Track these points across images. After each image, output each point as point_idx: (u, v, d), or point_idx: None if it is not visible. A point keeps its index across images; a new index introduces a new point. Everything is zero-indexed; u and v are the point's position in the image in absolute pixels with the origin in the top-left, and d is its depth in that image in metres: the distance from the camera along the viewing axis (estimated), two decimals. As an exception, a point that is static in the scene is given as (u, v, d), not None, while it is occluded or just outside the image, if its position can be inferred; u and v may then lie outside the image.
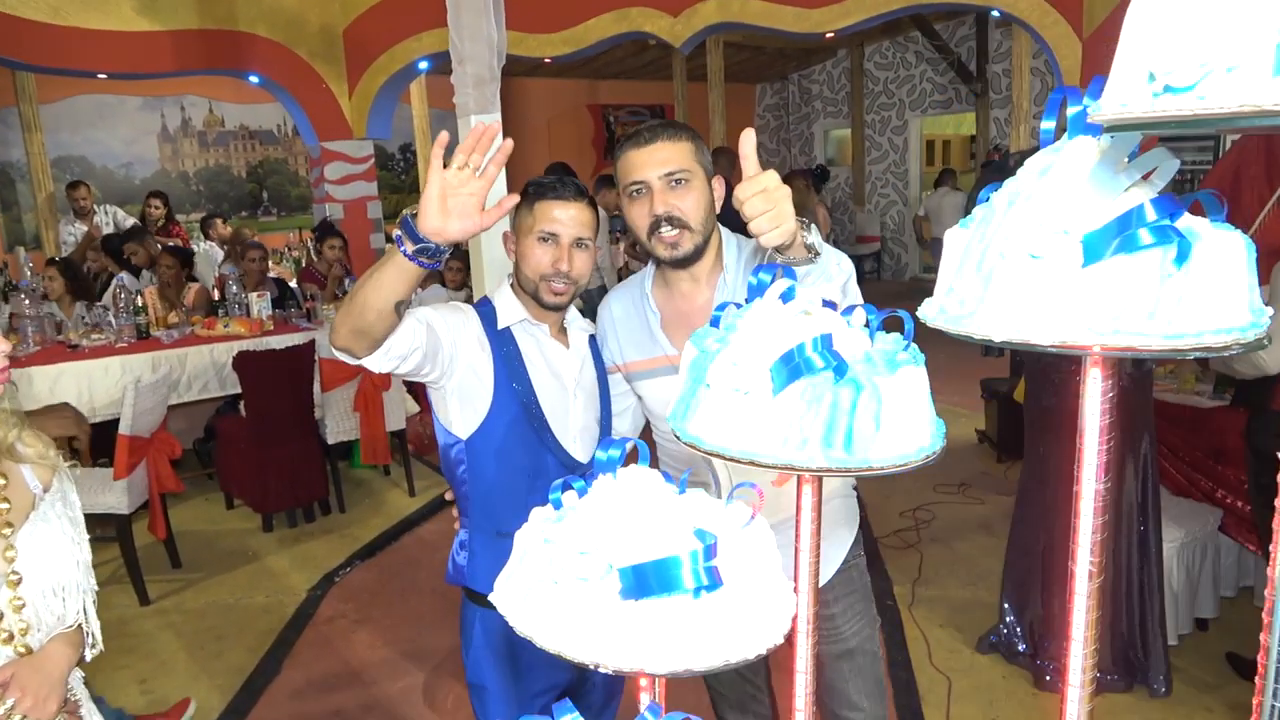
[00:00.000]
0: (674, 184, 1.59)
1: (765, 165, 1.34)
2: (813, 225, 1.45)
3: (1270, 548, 0.64)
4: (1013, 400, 4.77)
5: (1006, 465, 5.13)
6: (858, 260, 12.20)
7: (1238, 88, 0.49)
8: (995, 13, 5.36)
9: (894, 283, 12.40)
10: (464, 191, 1.35)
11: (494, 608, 1.73)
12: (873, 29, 7.87)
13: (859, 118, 12.50)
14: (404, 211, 1.40)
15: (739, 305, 1.02)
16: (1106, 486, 0.91)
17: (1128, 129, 0.60)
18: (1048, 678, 3.05)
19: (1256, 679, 0.66)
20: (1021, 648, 3.18)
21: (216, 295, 5.77)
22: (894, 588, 3.78)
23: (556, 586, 0.85)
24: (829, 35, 5.93)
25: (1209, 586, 3.32)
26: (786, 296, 0.94)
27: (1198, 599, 3.31)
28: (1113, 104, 0.58)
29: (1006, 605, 3.25)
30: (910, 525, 4.43)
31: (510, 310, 1.75)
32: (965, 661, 3.25)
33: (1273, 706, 0.65)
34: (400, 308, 1.45)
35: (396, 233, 1.38)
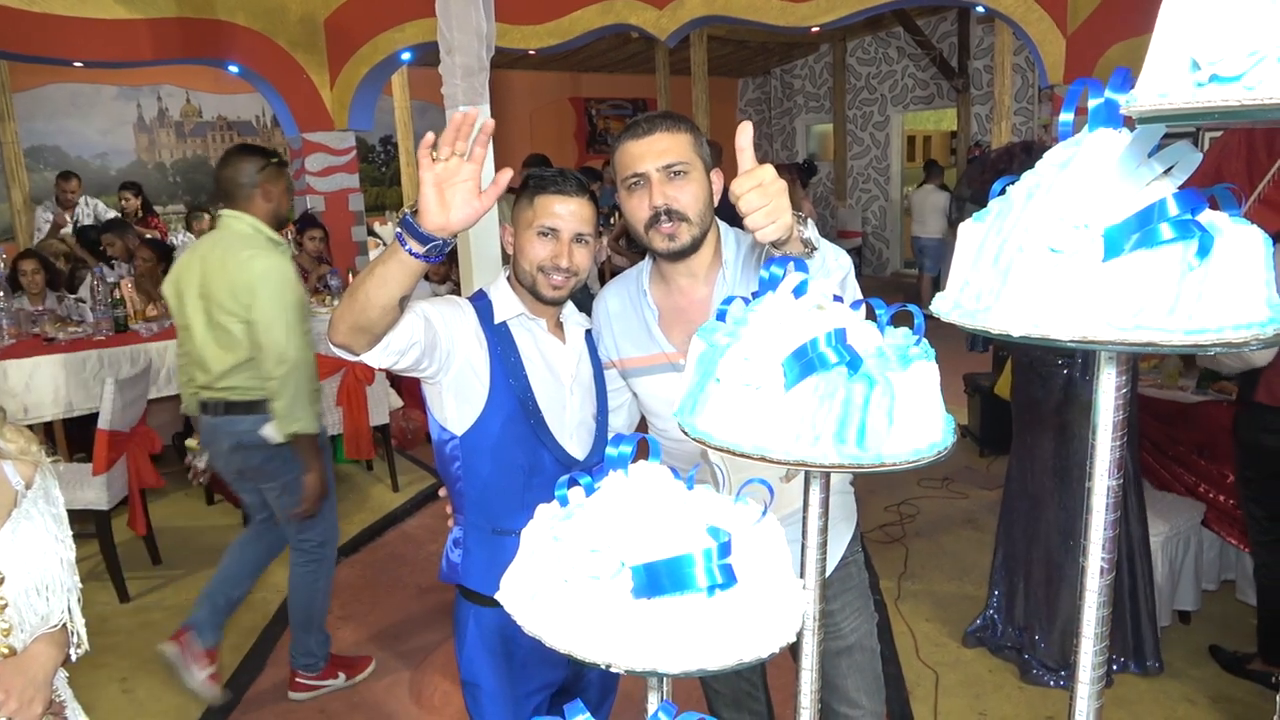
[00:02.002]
0: (673, 176, 1.57)
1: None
2: (809, 220, 1.44)
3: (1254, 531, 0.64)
4: (995, 395, 4.80)
5: (989, 460, 5.16)
6: (839, 255, 12.22)
7: (1291, 78, 0.48)
8: (979, 8, 5.37)
9: (875, 278, 12.44)
10: (458, 180, 1.33)
11: (489, 605, 1.73)
12: (856, 24, 7.88)
13: (841, 113, 12.52)
14: (402, 210, 1.38)
15: (746, 300, 1.01)
16: (1119, 483, 0.90)
17: (1166, 120, 0.59)
18: (1034, 670, 3.06)
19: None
20: (1009, 639, 3.20)
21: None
22: (880, 582, 3.79)
23: (567, 585, 0.84)
24: (814, 29, 5.92)
25: (1191, 579, 3.35)
26: (799, 290, 0.93)
27: (1179, 591, 3.35)
28: (1150, 94, 0.57)
29: (995, 596, 3.27)
30: (895, 520, 4.44)
31: (507, 304, 1.73)
32: (951, 655, 3.26)
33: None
34: (403, 303, 1.43)
35: (397, 230, 1.37)
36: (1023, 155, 2.99)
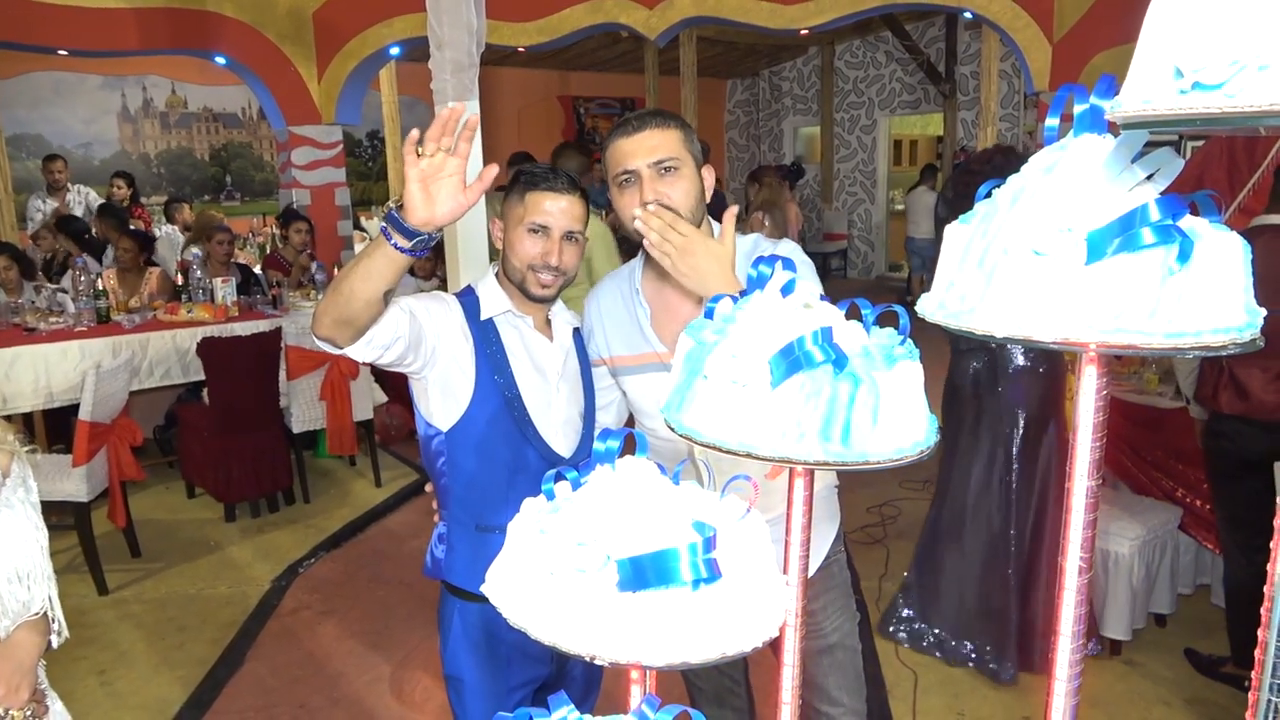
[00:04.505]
0: (663, 172, 1.57)
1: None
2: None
3: (1271, 544, 0.65)
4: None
5: (971, 462, 5.19)
6: (824, 257, 12.28)
7: (1270, 86, 0.49)
8: (967, 14, 5.41)
9: (860, 281, 12.51)
10: (443, 175, 1.34)
11: (473, 601, 1.74)
12: (844, 27, 7.92)
13: (828, 116, 12.57)
14: (387, 205, 1.39)
15: (734, 298, 1.02)
16: (1098, 483, 0.91)
17: (1150, 126, 0.60)
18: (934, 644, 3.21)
19: (1253, 674, 0.67)
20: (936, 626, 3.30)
21: (179, 280, 5.66)
22: (861, 583, 3.81)
23: (552, 578, 0.84)
24: (803, 32, 5.95)
25: (1167, 583, 3.39)
26: (786, 289, 0.93)
27: (1155, 595, 3.38)
28: (1134, 101, 0.58)
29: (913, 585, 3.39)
30: (877, 521, 4.47)
31: (494, 301, 1.73)
32: (930, 655, 3.28)
33: (1270, 701, 0.66)
34: (388, 297, 1.43)
35: (382, 225, 1.37)
36: (1000, 160, 3.07)
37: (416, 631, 3.52)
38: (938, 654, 3.25)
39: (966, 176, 3.14)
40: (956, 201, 3.15)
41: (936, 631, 3.28)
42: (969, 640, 3.19)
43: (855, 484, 4.73)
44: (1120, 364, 3.89)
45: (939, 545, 3.30)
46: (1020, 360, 3.02)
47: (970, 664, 3.18)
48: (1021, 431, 3.04)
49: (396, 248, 1.35)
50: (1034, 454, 3.05)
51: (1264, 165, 3.93)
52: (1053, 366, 3.05)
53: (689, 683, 2.02)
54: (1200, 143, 4.61)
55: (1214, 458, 2.96)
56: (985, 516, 3.14)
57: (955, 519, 3.23)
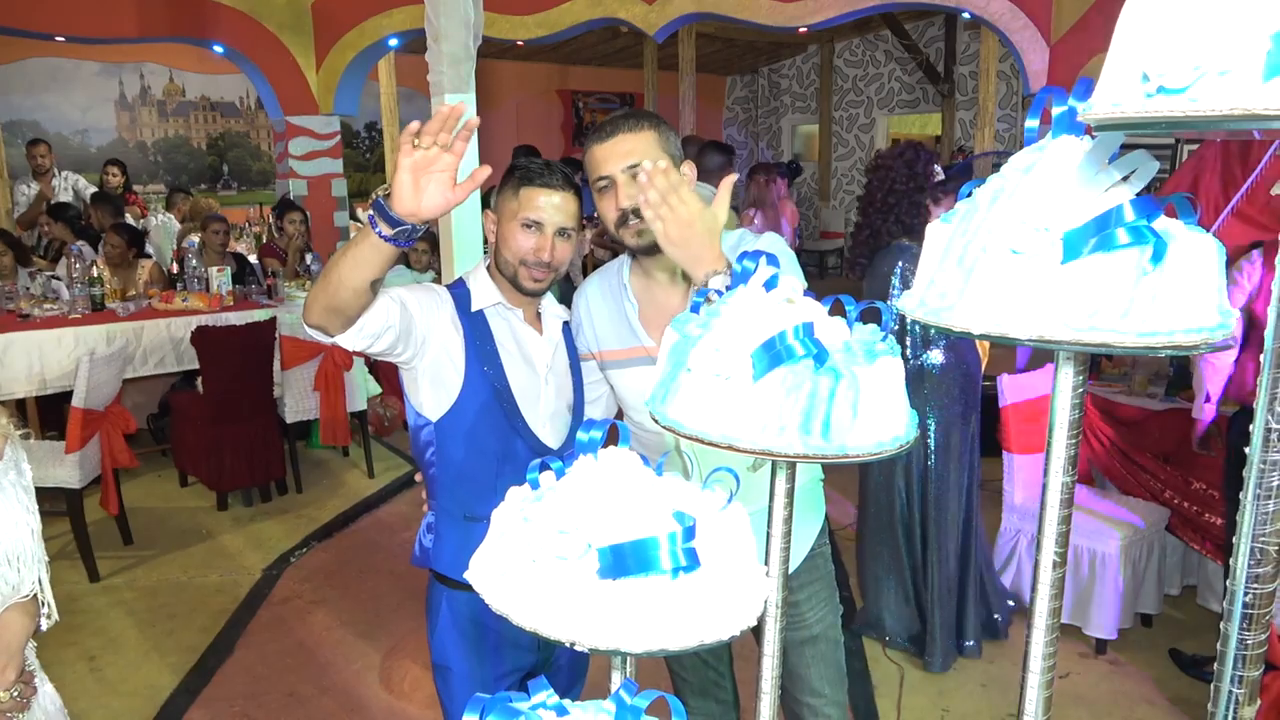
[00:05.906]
0: (637, 175, 1.58)
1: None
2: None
3: (1234, 539, 0.67)
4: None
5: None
6: (821, 255, 12.29)
7: (1230, 91, 0.50)
8: (966, 14, 5.42)
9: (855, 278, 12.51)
10: (434, 169, 1.35)
11: (461, 589, 1.75)
12: (844, 26, 7.93)
13: (827, 114, 12.58)
14: (376, 193, 1.40)
15: (720, 292, 1.03)
16: (1073, 479, 0.93)
17: (1119, 128, 0.61)
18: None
19: (1215, 665, 0.69)
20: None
21: (175, 269, 5.66)
22: (849, 579, 3.83)
23: (534, 565, 0.85)
24: (802, 30, 5.96)
25: (1153, 583, 3.41)
26: (770, 284, 0.95)
27: (1142, 595, 3.40)
28: (1104, 103, 0.59)
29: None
30: (867, 518, 4.49)
31: (485, 293, 1.74)
32: (918, 652, 3.31)
33: (1230, 693, 0.68)
34: (375, 286, 1.44)
35: (369, 213, 1.38)
36: (911, 154, 3.11)
37: (406, 622, 3.54)
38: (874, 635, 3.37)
39: (880, 172, 3.19)
40: (870, 195, 3.20)
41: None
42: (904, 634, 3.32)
43: (843, 479, 4.75)
44: (1111, 364, 3.92)
45: (867, 544, 3.37)
46: (939, 358, 3.06)
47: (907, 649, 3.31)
48: (946, 426, 3.10)
49: (381, 235, 1.37)
50: (958, 448, 3.12)
51: (1258, 170, 3.95)
52: (972, 363, 3.12)
53: (674, 674, 2.04)
54: (1196, 145, 4.63)
55: (1242, 457, 2.92)
56: (910, 511, 3.21)
57: (880, 516, 3.29)
